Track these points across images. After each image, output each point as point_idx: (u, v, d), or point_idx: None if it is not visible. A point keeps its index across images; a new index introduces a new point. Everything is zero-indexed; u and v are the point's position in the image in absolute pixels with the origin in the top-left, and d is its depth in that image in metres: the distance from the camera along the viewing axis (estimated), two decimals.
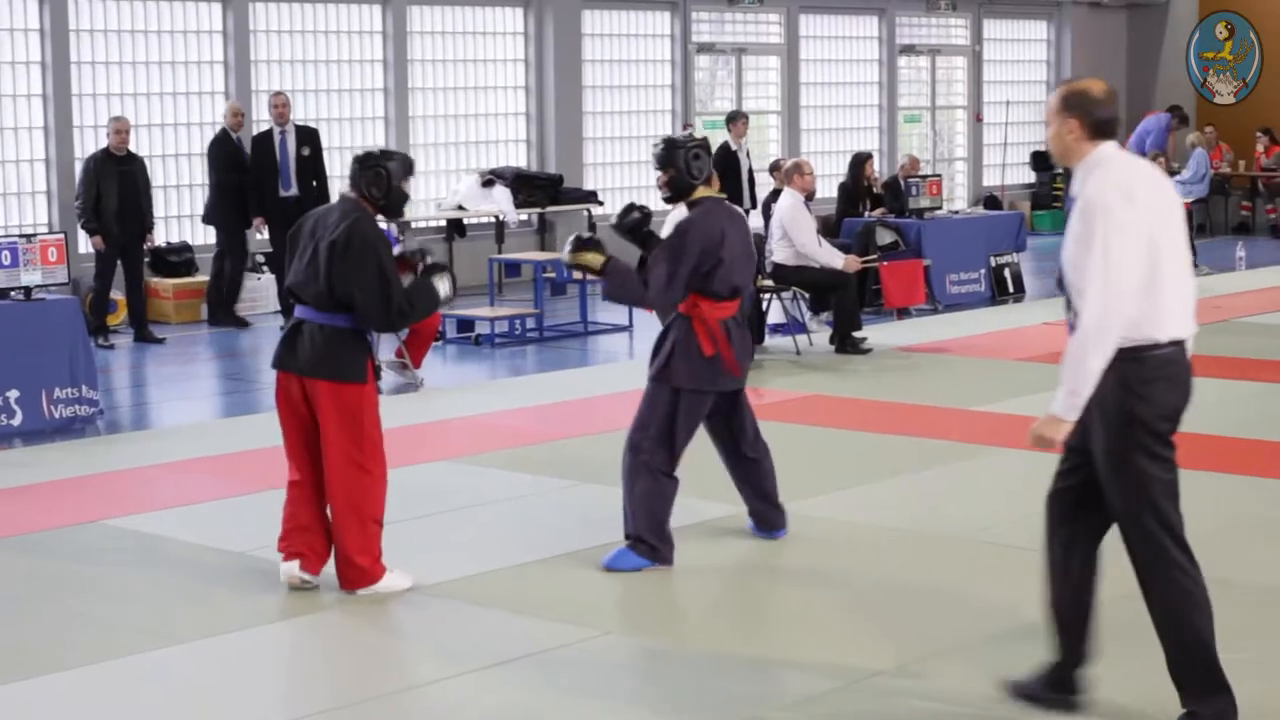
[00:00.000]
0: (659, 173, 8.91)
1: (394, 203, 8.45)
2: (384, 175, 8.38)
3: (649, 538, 8.74)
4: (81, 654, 7.61)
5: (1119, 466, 6.28)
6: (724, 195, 9.34)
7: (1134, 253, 6.08)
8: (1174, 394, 6.27)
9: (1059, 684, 6.69)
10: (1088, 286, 6.08)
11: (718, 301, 8.82)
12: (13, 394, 12.60)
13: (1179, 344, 6.28)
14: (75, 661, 7.51)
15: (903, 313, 18.50)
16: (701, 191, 8.92)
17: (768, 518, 9.32)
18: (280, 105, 18.18)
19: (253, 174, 18.11)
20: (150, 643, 7.74)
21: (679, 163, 8.84)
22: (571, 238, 8.97)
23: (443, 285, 8.53)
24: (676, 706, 6.88)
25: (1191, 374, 6.36)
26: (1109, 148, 6.33)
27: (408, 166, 8.53)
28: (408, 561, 8.64)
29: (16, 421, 12.60)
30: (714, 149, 20.61)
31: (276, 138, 18.04)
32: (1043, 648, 6.68)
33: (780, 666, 7.34)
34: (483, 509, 10.18)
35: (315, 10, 20.62)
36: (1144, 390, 6.20)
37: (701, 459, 9.36)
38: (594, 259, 8.82)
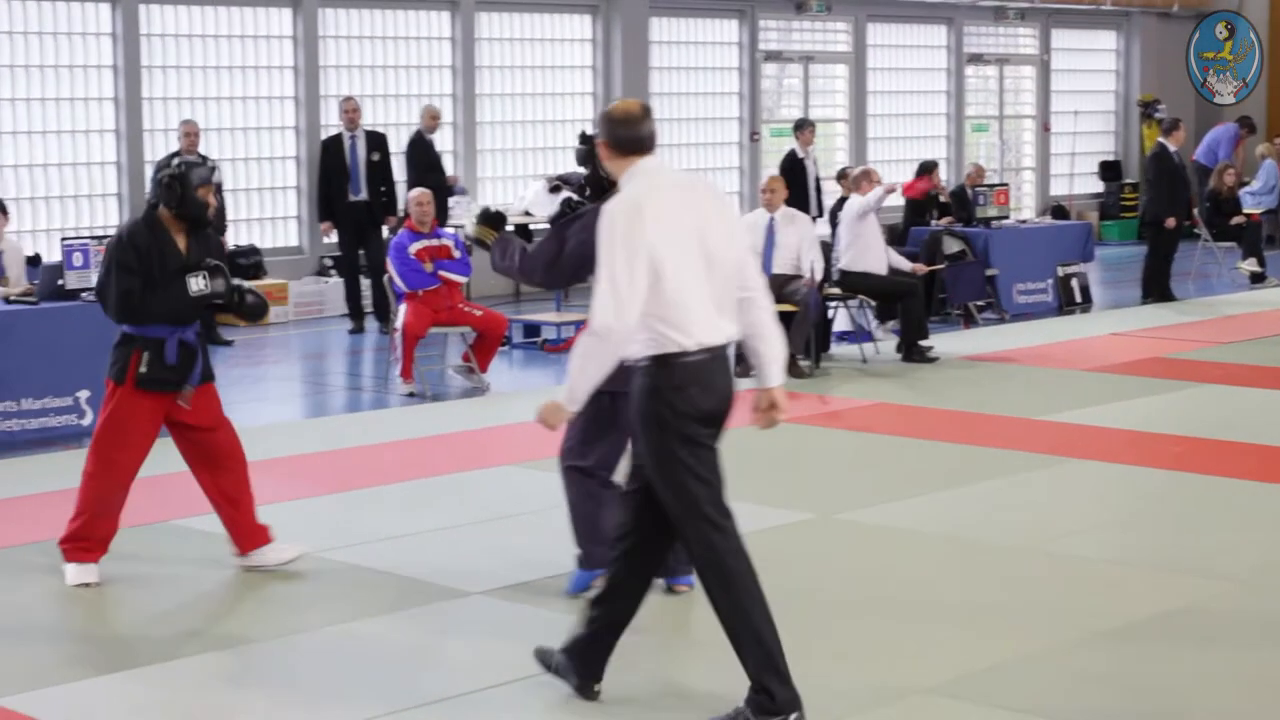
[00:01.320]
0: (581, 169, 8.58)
1: (189, 209, 8.69)
2: (174, 185, 8.64)
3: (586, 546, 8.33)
4: (156, 651, 7.66)
5: (659, 469, 6.58)
6: None
7: (634, 263, 6.35)
8: (707, 398, 6.59)
9: (584, 663, 6.90)
10: (595, 294, 6.39)
11: None
12: (83, 394, 12.71)
13: (711, 350, 6.56)
14: (148, 659, 7.55)
15: (969, 321, 18.47)
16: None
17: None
18: (351, 110, 18.27)
19: (321, 178, 18.22)
20: (217, 643, 7.79)
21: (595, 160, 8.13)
22: (479, 209, 8.66)
23: (194, 283, 8.71)
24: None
25: (729, 378, 6.71)
26: (644, 162, 6.68)
27: (202, 175, 8.72)
28: (469, 564, 8.67)
29: (86, 421, 12.69)
30: (781, 157, 20.81)
31: (346, 142, 18.12)
32: (1115, 655, 6.66)
33: (837, 678, 7.33)
34: (547, 513, 10.19)
35: (384, 16, 20.71)
36: (673, 396, 6.50)
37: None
38: (487, 233, 8.44)
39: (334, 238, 18.45)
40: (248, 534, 9.00)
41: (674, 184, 6.72)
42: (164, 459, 11.37)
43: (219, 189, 17.29)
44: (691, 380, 6.52)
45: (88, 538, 8.72)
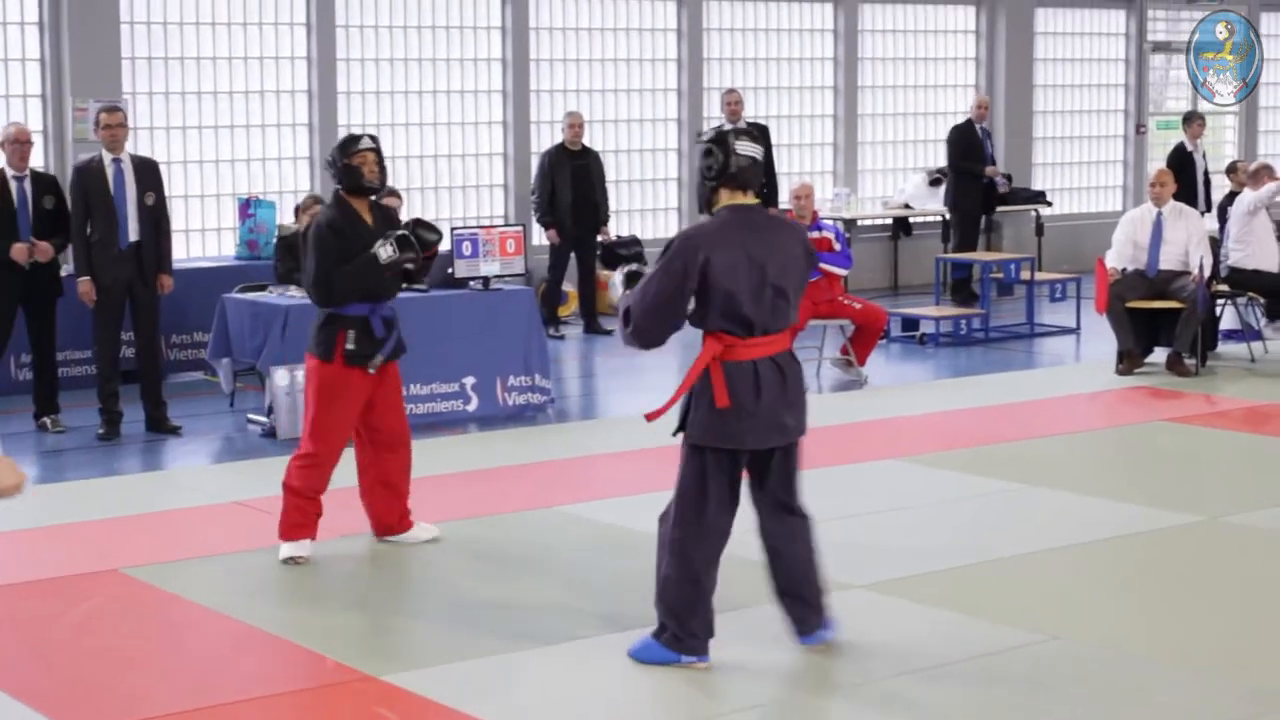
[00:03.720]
0: None
1: (346, 179, 9.00)
2: (334, 159, 9.04)
3: (671, 626, 7.31)
4: (533, 634, 7.78)
5: None
6: (755, 202, 7.29)
7: None
8: None
9: None
10: None
11: (733, 338, 7.13)
12: (469, 380, 12.98)
13: None
14: (528, 642, 7.68)
15: None
16: (724, 199, 7.21)
17: (796, 613, 7.48)
18: (733, 103, 18.35)
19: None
20: (602, 628, 7.88)
21: (698, 164, 7.35)
22: (625, 271, 7.55)
23: (383, 250, 8.84)
24: (1116, 713, 6.77)
25: None
26: None
27: (344, 144, 9.06)
28: (859, 558, 8.65)
29: (472, 407, 12.97)
30: (1168, 150, 20.36)
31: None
32: None
33: (1230, 682, 7.15)
34: (927, 509, 10.13)
35: (767, 9, 20.76)
36: None
37: None
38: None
39: None
40: (397, 520, 9.26)
41: None
42: (558, 445, 11.55)
43: (603, 180, 17.53)
44: None
45: (303, 517, 9.00)
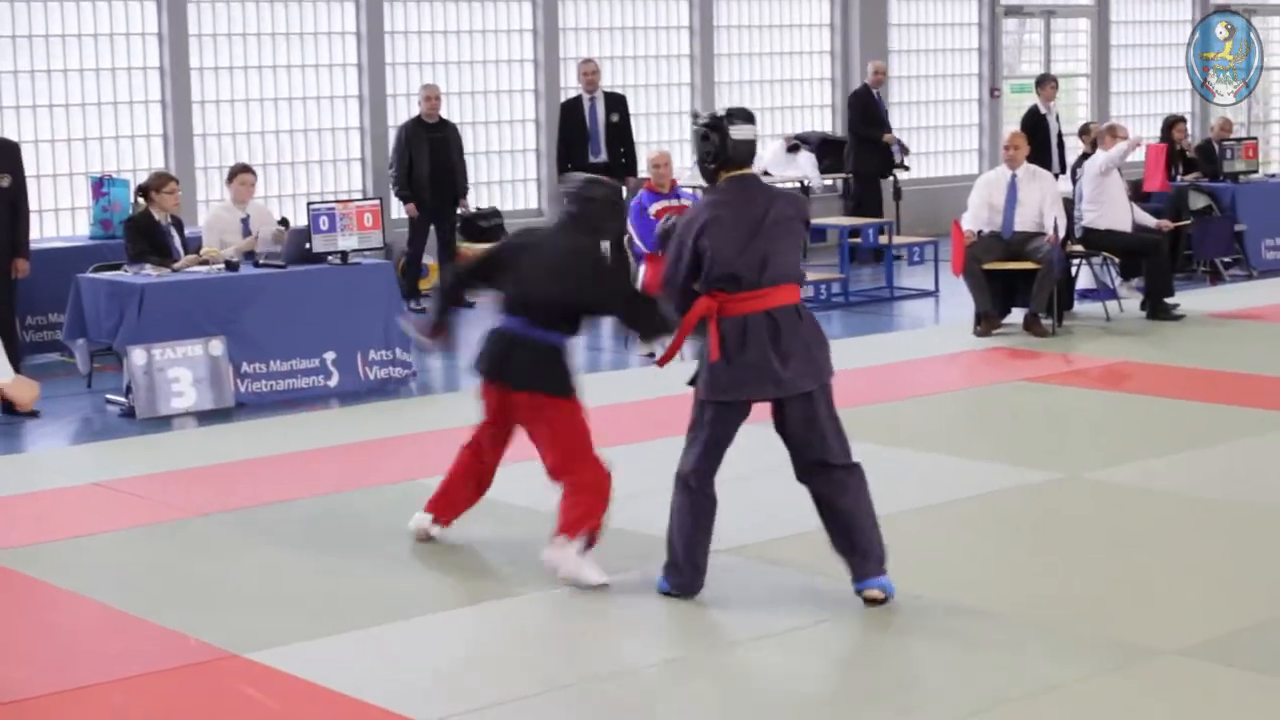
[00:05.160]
0: None
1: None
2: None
3: (671, 556, 7.85)
4: (398, 608, 7.78)
5: None
6: (749, 171, 7.78)
7: None
8: None
9: None
10: None
11: (725, 294, 7.59)
12: (330, 355, 12.92)
13: None
14: (392, 615, 7.68)
15: (1216, 278, 18.12)
16: (723, 176, 7.70)
17: (851, 562, 7.72)
18: (590, 73, 18.34)
19: (561, 141, 18.32)
20: (466, 598, 7.88)
21: (695, 146, 7.84)
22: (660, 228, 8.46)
23: None
24: (982, 669, 6.85)
25: None
26: None
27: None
28: (719, 523, 8.69)
29: (333, 382, 12.91)
30: (1022, 113, 20.56)
31: (586, 105, 18.19)
32: None
33: (1086, 635, 7.24)
34: (786, 473, 10.15)
35: None
36: None
37: None
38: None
39: None
40: (458, 513, 9.00)
41: None
42: (420, 419, 11.54)
43: (460, 152, 17.48)
44: None
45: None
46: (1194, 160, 19.32)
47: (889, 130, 20.57)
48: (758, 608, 7.68)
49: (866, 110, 20.45)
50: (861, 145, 20.45)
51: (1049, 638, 7.17)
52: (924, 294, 17.69)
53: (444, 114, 17.54)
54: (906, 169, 20.94)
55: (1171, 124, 19.54)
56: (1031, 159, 15.46)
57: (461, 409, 12.35)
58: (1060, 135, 20.23)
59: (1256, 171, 19.58)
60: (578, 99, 18.32)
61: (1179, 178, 18.99)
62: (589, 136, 18.09)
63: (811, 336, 7.62)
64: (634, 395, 12.38)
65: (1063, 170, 19.35)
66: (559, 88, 19.74)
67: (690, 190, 15.52)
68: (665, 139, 20.57)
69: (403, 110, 18.53)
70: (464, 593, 8.06)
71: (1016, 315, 14.93)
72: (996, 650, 7.06)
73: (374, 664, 7.12)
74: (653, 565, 7.94)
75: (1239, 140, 19.64)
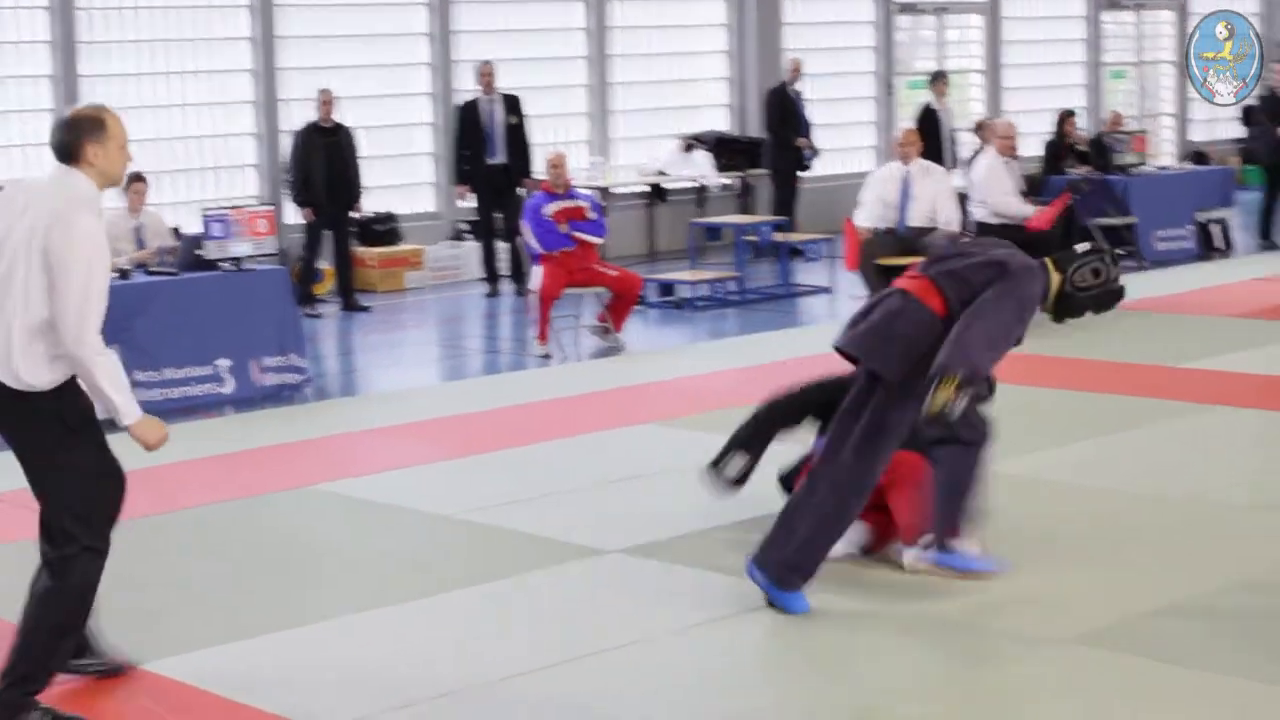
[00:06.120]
0: None
1: None
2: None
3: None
4: (297, 614, 7.77)
5: None
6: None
7: None
8: None
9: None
10: None
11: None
12: (223, 363, 12.86)
13: None
14: (291, 622, 7.66)
15: None
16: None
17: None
18: (487, 74, 18.31)
19: (458, 142, 18.29)
20: (366, 603, 7.87)
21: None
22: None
23: None
24: (867, 665, 6.90)
25: None
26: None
27: None
28: (612, 524, 8.71)
29: (227, 389, 12.85)
30: (916, 110, 20.70)
31: (484, 106, 18.16)
32: (1269, 604, 6.57)
33: (987, 627, 7.31)
34: (677, 473, 10.18)
35: None
36: None
37: None
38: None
39: (471, 201, 18.50)
40: None
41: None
42: (315, 424, 11.50)
43: (355, 156, 17.43)
44: None
45: None
46: (1086, 154, 19.49)
47: (808, 129, 20.66)
48: (649, 607, 7.70)
49: (782, 109, 20.56)
50: (779, 144, 20.53)
51: (941, 631, 7.23)
52: (820, 290, 17.78)
53: (338, 118, 17.48)
54: (807, 168, 21.03)
55: (1063, 119, 19.71)
56: (925, 155, 15.58)
57: (357, 412, 12.39)
58: (953, 131, 20.38)
59: (1146, 164, 19.78)
60: (475, 101, 18.29)
61: (1070, 171, 19.14)
62: (487, 138, 18.06)
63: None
64: None
65: (954, 165, 19.51)
66: (452, 90, 19.72)
67: (586, 191, 15.53)
68: (562, 140, 20.56)
69: (297, 116, 18.45)
70: (364, 598, 8.03)
71: None
72: (886, 644, 7.10)
73: (273, 671, 7.09)
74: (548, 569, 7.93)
75: (1129, 133, 19.83)
